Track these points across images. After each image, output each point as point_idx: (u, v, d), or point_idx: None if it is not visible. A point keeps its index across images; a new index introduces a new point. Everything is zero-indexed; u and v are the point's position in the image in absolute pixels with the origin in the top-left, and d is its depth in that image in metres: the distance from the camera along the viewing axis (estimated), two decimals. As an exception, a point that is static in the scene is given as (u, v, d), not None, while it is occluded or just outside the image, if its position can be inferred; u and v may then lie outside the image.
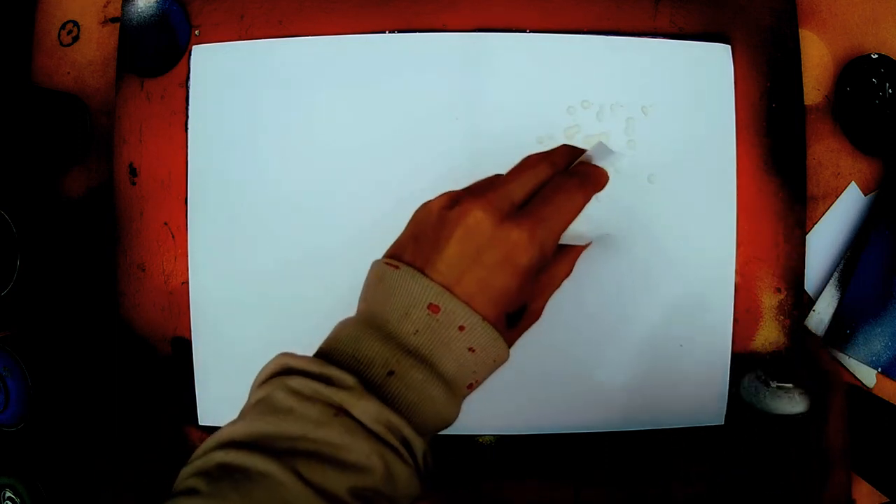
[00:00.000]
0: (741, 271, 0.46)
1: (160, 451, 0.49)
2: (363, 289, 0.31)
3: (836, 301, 0.47)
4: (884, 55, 0.45)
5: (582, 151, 0.35)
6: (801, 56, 0.46)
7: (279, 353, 0.29)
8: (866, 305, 0.46)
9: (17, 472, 0.46)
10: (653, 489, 0.47)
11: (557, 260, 0.34)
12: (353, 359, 0.27)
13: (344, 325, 0.30)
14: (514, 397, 0.46)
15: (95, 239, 0.49)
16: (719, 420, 0.46)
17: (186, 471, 0.27)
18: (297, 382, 0.27)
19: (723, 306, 0.46)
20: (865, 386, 0.46)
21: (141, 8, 0.48)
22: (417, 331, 0.27)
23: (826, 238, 0.47)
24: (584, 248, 0.36)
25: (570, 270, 0.34)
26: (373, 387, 0.26)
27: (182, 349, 0.48)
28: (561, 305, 0.46)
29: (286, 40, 0.47)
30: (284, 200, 0.47)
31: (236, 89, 0.47)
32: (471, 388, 0.30)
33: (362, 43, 0.46)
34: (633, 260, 0.45)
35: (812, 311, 0.47)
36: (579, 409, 0.46)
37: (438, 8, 0.46)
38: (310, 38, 0.47)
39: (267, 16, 0.47)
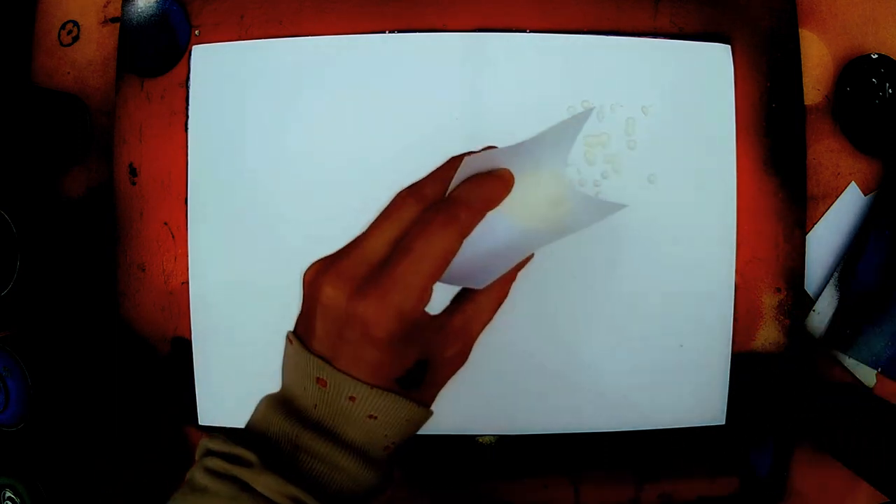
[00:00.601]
0: (741, 271, 0.46)
1: (160, 451, 0.49)
2: (282, 361, 0.31)
3: (837, 301, 0.47)
4: (884, 55, 0.45)
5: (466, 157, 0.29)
6: (801, 56, 0.46)
7: (202, 437, 0.30)
8: (866, 306, 0.46)
9: (17, 472, 0.46)
10: (653, 489, 0.47)
11: (475, 297, 0.30)
12: (262, 436, 0.28)
13: (261, 402, 0.30)
14: (514, 397, 0.46)
15: (95, 239, 0.49)
16: (719, 420, 0.46)
17: None
18: (211, 462, 0.27)
19: (723, 306, 0.46)
20: (865, 386, 0.46)
21: (141, 8, 0.48)
22: (316, 405, 0.28)
23: (826, 238, 0.47)
24: (512, 275, 0.30)
25: (501, 300, 0.30)
26: (279, 462, 0.27)
27: (182, 349, 0.48)
28: (561, 306, 0.46)
29: (286, 40, 0.47)
30: (284, 200, 0.47)
31: (236, 89, 0.47)
32: (388, 450, 0.29)
33: (362, 43, 0.46)
34: (633, 260, 0.45)
35: (812, 311, 0.47)
36: (579, 410, 0.46)
37: (438, 8, 0.46)
38: (310, 38, 0.47)
39: (267, 16, 0.47)
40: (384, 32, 0.46)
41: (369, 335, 0.26)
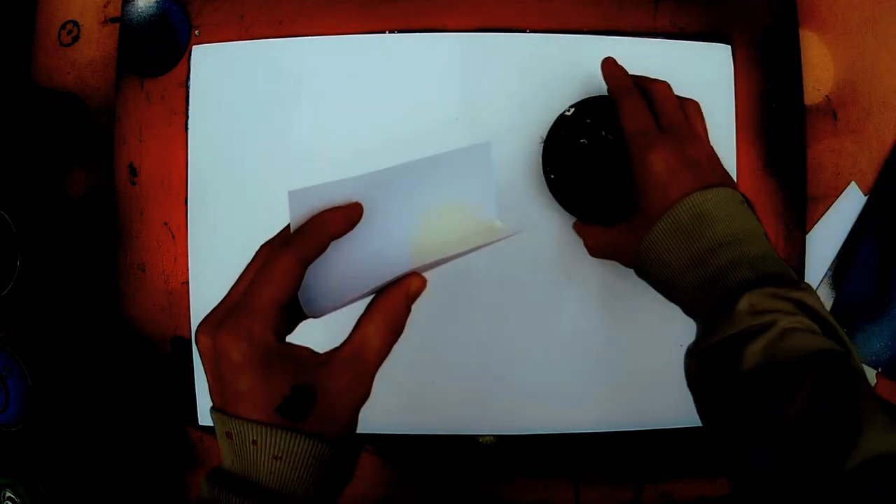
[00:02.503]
0: (741, 271, 0.46)
1: (160, 451, 0.49)
2: None
3: (831, 301, 0.47)
4: None
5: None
6: (802, 56, 0.46)
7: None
8: (863, 306, 0.46)
9: (17, 472, 0.46)
10: (653, 489, 0.47)
11: (362, 324, 0.30)
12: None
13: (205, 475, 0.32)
14: (514, 397, 0.46)
15: (95, 239, 0.49)
16: (719, 420, 0.46)
17: None
18: None
19: (723, 306, 0.46)
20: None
21: (141, 8, 0.48)
22: (232, 461, 0.29)
23: (826, 238, 0.47)
24: (400, 296, 0.31)
25: (388, 328, 0.30)
26: None
27: (182, 349, 0.48)
28: (560, 306, 0.46)
29: (286, 40, 0.47)
30: (284, 200, 0.47)
31: (236, 89, 0.47)
32: (310, 490, 0.29)
33: (362, 43, 0.46)
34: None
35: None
36: (579, 410, 0.46)
37: (438, 8, 0.46)
38: (310, 38, 0.47)
39: (267, 16, 0.47)
40: (384, 32, 0.46)
41: (231, 363, 0.28)
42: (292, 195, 0.31)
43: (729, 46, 0.46)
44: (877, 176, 0.46)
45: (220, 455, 0.30)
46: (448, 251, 0.32)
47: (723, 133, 0.46)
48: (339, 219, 0.31)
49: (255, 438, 0.28)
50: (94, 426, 0.49)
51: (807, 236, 0.47)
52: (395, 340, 0.31)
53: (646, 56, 0.46)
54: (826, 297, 0.47)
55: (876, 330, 0.46)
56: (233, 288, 0.31)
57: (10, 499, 0.46)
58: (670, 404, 0.46)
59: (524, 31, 0.46)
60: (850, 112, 0.47)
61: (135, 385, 0.48)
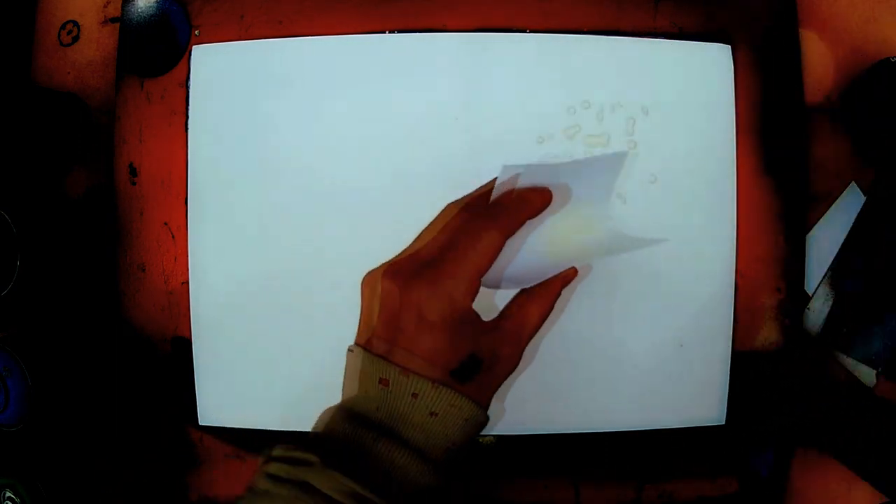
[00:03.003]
0: (741, 271, 0.46)
1: (160, 451, 0.49)
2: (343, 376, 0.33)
3: (831, 300, 0.47)
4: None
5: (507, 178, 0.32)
6: (802, 56, 0.46)
7: (265, 448, 0.31)
8: (863, 305, 0.46)
9: (17, 472, 0.46)
10: (653, 489, 0.47)
11: (525, 302, 0.33)
12: (325, 441, 0.30)
13: (323, 412, 0.32)
14: (514, 397, 0.46)
15: (95, 239, 0.49)
16: (719, 420, 0.46)
17: None
18: (273, 467, 0.29)
19: (723, 306, 0.46)
20: (865, 386, 0.46)
21: (141, 8, 0.48)
22: (378, 407, 0.29)
23: (826, 238, 0.47)
24: (559, 282, 0.34)
25: (545, 310, 0.33)
26: (341, 463, 0.28)
27: (182, 349, 0.48)
28: (560, 306, 0.46)
29: (286, 40, 0.47)
30: (284, 200, 0.47)
31: (236, 89, 0.47)
32: (448, 452, 0.30)
33: (362, 43, 0.46)
34: (634, 260, 0.45)
35: (807, 310, 0.47)
36: (579, 409, 0.46)
37: (438, 8, 0.46)
38: (310, 38, 0.47)
39: (267, 16, 0.47)
40: (384, 32, 0.46)
41: (424, 319, 0.29)
42: (506, 168, 0.32)
43: (729, 46, 0.46)
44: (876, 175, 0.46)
45: (352, 395, 0.30)
46: (583, 257, 0.34)
47: (723, 133, 0.46)
48: (538, 202, 0.32)
49: (416, 392, 0.29)
50: (94, 426, 0.49)
51: (807, 236, 0.47)
52: (544, 322, 0.33)
53: (646, 56, 0.46)
54: (826, 297, 0.47)
55: (875, 330, 0.46)
56: (423, 242, 0.31)
57: (10, 499, 0.46)
58: (670, 404, 0.46)
59: (524, 31, 0.46)
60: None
61: (135, 385, 0.48)
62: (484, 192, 0.33)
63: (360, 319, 0.33)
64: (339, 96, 0.46)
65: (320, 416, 0.32)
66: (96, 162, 0.50)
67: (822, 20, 0.47)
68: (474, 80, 0.46)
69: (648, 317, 0.46)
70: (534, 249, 0.33)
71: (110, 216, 0.48)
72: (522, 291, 0.34)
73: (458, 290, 0.29)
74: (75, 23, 0.50)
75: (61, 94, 0.50)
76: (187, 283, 0.47)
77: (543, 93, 0.46)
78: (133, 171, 0.48)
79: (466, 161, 0.46)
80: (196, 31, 0.47)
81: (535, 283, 0.34)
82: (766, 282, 0.46)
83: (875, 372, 0.46)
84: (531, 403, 0.46)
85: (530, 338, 0.33)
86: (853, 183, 0.47)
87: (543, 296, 0.33)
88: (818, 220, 0.47)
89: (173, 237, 0.48)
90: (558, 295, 0.34)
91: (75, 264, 0.49)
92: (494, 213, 0.31)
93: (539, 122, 0.46)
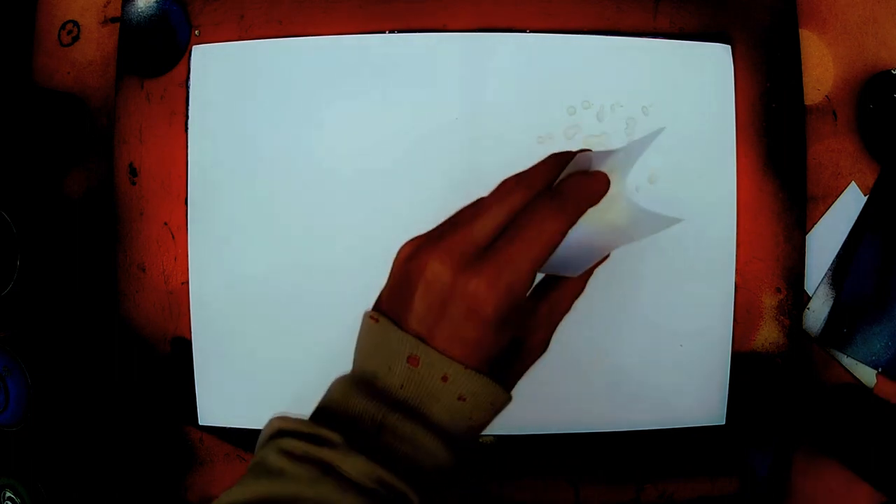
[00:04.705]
0: (741, 271, 0.46)
1: (160, 451, 0.49)
2: (356, 341, 0.31)
3: (832, 300, 0.47)
4: None
5: (571, 156, 0.31)
6: (802, 56, 0.46)
7: (273, 416, 0.29)
8: (863, 305, 0.46)
9: (17, 472, 0.46)
10: (653, 489, 0.47)
11: (560, 285, 0.32)
12: (343, 417, 0.27)
13: (337, 383, 0.30)
14: (515, 397, 0.46)
15: (95, 239, 0.49)
16: (719, 420, 0.46)
17: None
18: (287, 444, 0.27)
19: (723, 306, 0.46)
20: (865, 386, 0.46)
21: (141, 8, 0.48)
22: (403, 385, 0.27)
23: (826, 238, 0.47)
24: (594, 266, 0.33)
25: (578, 292, 0.32)
26: (363, 443, 0.26)
27: (182, 349, 0.48)
28: (561, 305, 0.46)
29: (286, 40, 0.47)
30: (284, 200, 0.47)
31: (236, 89, 0.47)
32: (471, 433, 0.29)
33: (362, 43, 0.46)
34: (634, 260, 0.45)
35: (807, 310, 0.47)
36: (579, 409, 0.46)
37: (438, 8, 0.46)
38: (310, 38, 0.47)
39: (267, 16, 0.47)
40: (384, 32, 0.46)
41: (476, 313, 0.26)
42: (583, 156, 0.31)
43: (729, 46, 0.46)
44: (877, 175, 0.46)
45: (371, 366, 0.28)
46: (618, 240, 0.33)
47: (723, 133, 0.46)
48: (601, 190, 0.30)
49: (447, 375, 0.27)
50: (94, 426, 0.49)
51: (807, 236, 0.47)
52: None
53: (646, 56, 0.46)
54: (826, 297, 0.47)
55: (876, 330, 0.46)
56: (475, 220, 0.28)
57: (10, 499, 0.46)
58: (670, 404, 0.46)
59: (524, 31, 0.46)
60: (851, 112, 0.47)
61: (134, 385, 0.48)
62: (543, 171, 0.30)
63: (389, 288, 0.30)
64: (339, 96, 0.46)
65: (332, 387, 0.30)
66: (96, 162, 0.50)
67: (821, 20, 0.47)
68: (474, 80, 0.46)
69: (648, 317, 0.46)
70: (579, 235, 0.32)
71: (110, 216, 0.48)
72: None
73: (517, 283, 0.27)
74: (75, 23, 0.50)
75: (61, 94, 0.50)
76: (187, 283, 0.47)
77: (543, 93, 0.46)
78: (133, 172, 0.48)
79: (467, 161, 0.46)
80: (196, 31, 0.47)
81: (580, 270, 0.32)
82: (766, 282, 0.46)
83: (875, 372, 0.46)
84: (531, 403, 0.46)
85: (559, 322, 0.32)
86: (853, 183, 0.47)
87: (577, 277, 0.32)
88: (818, 220, 0.47)
89: (173, 237, 0.48)
90: (587, 281, 0.33)
91: (75, 264, 0.49)
92: (560, 199, 0.28)
93: (539, 122, 0.46)
